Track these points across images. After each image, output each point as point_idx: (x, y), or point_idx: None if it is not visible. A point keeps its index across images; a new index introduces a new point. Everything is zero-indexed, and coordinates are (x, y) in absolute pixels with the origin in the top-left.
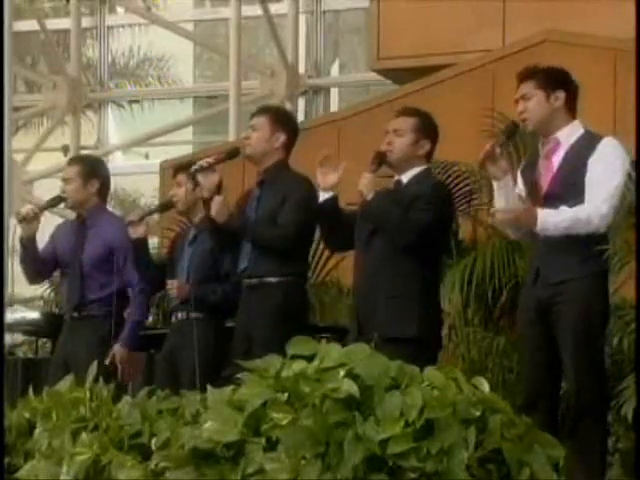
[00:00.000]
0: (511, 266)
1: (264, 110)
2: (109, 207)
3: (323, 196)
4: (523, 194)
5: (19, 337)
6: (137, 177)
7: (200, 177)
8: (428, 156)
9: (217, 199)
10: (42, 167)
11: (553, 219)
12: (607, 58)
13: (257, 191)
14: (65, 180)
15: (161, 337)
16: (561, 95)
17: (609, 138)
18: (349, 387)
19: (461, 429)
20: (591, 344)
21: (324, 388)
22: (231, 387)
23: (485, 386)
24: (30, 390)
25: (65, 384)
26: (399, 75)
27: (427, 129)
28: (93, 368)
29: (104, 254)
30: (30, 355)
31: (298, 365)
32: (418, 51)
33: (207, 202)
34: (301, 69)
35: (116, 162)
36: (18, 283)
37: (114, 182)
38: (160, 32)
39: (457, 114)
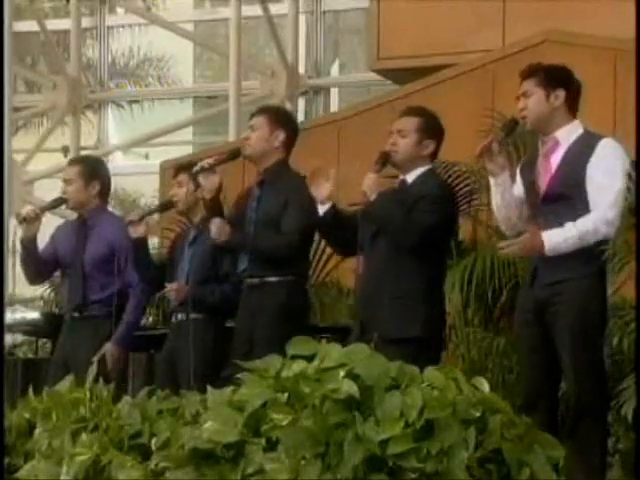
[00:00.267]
0: (511, 266)
1: (263, 110)
2: (109, 207)
3: (322, 209)
4: (522, 193)
5: (19, 337)
6: (137, 177)
7: (201, 178)
8: (433, 156)
9: (215, 221)
10: (42, 167)
11: (561, 238)
12: (607, 58)
13: (257, 191)
14: (66, 181)
15: (161, 337)
16: (561, 94)
17: (608, 139)
18: (349, 387)
19: (461, 429)
20: (589, 344)
21: (324, 388)
22: (231, 387)
23: (485, 386)
24: (30, 390)
25: (65, 384)
26: (399, 75)
27: (431, 129)
28: (93, 368)
29: (105, 254)
30: (30, 355)
31: (298, 365)
32: (418, 51)
33: (208, 203)
34: (301, 69)
35: (116, 162)
36: (18, 283)
37: (114, 182)
38: (160, 32)
39: (457, 114)
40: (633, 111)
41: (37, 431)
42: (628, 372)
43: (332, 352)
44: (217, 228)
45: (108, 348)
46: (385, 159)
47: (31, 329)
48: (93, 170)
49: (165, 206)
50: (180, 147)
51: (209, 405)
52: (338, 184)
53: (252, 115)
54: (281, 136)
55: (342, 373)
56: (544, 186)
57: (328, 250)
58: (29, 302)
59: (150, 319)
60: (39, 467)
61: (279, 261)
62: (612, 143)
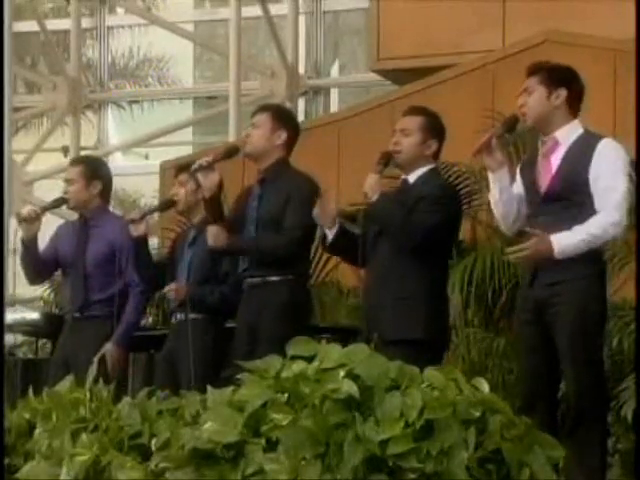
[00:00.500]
0: (511, 267)
1: (266, 108)
2: (110, 208)
3: (330, 233)
4: (521, 192)
5: (19, 337)
6: (137, 178)
7: (200, 176)
8: (435, 156)
9: (211, 228)
10: (42, 168)
11: (570, 241)
12: (607, 58)
13: (258, 189)
14: (67, 181)
15: (161, 338)
16: (562, 93)
17: (607, 139)
18: (349, 388)
19: (461, 430)
20: (588, 345)
21: (324, 389)
22: (231, 388)
23: (485, 387)
24: (30, 391)
25: (65, 385)
26: (399, 76)
27: (434, 129)
28: (93, 369)
29: (107, 255)
30: (30, 356)
31: (298, 366)
32: (418, 52)
33: (208, 202)
34: (301, 70)
35: (116, 163)
36: (18, 284)
37: (114, 183)
38: (160, 33)
39: (457, 114)
40: (633, 111)
41: (37, 431)
42: (628, 373)
43: (332, 352)
44: (213, 235)
45: (108, 348)
46: (387, 159)
47: (31, 329)
48: (94, 170)
49: (166, 205)
50: (180, 147)
51: (209, 405)
52: (338, 184)
53: (254, 113)
54: (283, 135)
55: (342, 373)
56: (544, 186)
57: None
58: (29, 302)
59: (150, 319)
60: (39, 467)
61: (280, 260)
62: (612, 143)
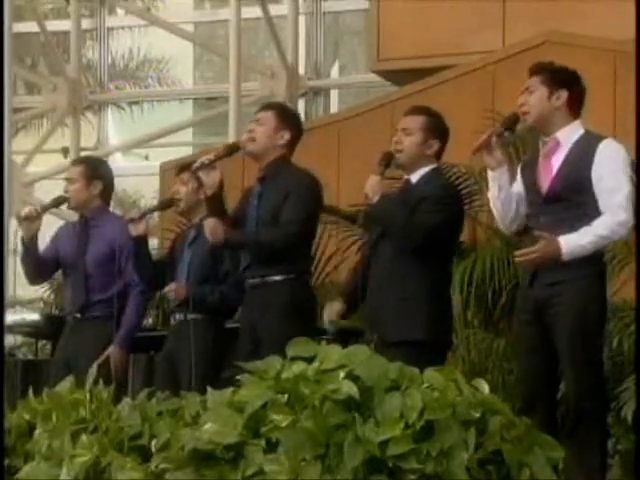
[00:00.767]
0: (511, 267)
1: (270, 106)
2: (110, 208)
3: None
4: (521, 191)
5: (19, 338)
6: (137, 178)
7: (202, 174)
8: (437, 156)
9: (209, 221)
10: (42, 168)
11: (578, 243)
12: (607, 59)
13: (258, 187)
14: (68, 180)
15: (161, 338)
16: (564, 95)
17: (608, 140)
18: (349, 389)
19: (461, 430)
20: (588, 345)
21: (324, 390)
22: (231, 389)
23: (485, 388)
24: (30, 391)
25: (65, 385)
26: (399, 76)
27: (436, 128)
28: (93, 369)
29: (107, 255)
30: (30, 356)
31: (298, 367)
32: (418, 52)
33: (209, 200)
34: (301, 70)
35: (116, 163)
36: (19, 285)
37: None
38: (160, 33)
39: (458, 115)
40: (633, 111)
41: (37, 432)
42: (628, 374)
43: (332, 353)
44: (210, 229)
45: (111, 351)
46: (388, 160)
47: (31, 330)
48: (96, 170)
49: (166, 204)
50: (180, 148)
51: (209, 406)
52: (338, 185)
53: (259, 109)
54: (286, 135)
55: (342, 374)
56: (545, 186)
57: (328, 251)
58: (29, 303)
59: (150, 320)
60: (39, 468)
61: (279, 256)
62: (613, 144)
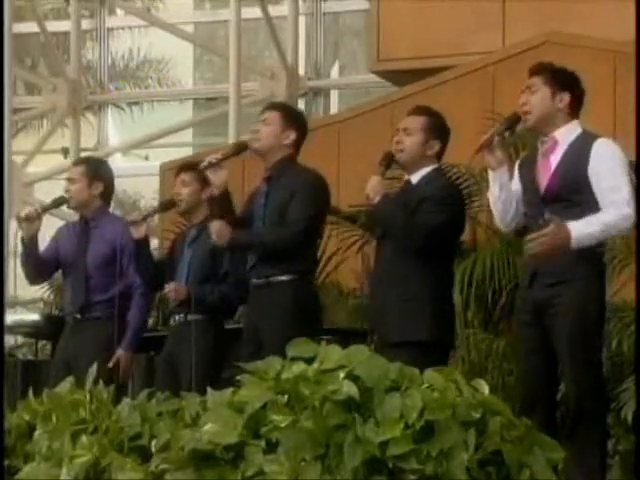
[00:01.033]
0: (511, 268)
1: (276, 106)
2: (110, 209)
3: None
4: (519, 190)
5: (19, 339)
6: (137, 179)
7: (209, 174)
8: (438, 156)
9: (215, 223)
10: (42, 169)
11: (586, 230)
12: (607, 59)
13: (265, 187)
14: (70, 180)
15: (161, 339)
16: (566, 97)
17: (603, 139)
18: (349, 389)
19: (461, 431)
20: (587, 346)
21: (324, 390)
22: (231, 389)
23: (485, 388)
24: (30, 392)
25: (65, 386)
26: (399, 77)
27: (437, 129)
28: (93, 370)
29: (108, 256)
30: (30, 357)
31: (298, 367)
32: (418, 53)
33: (217, 199)
34: (301, 71)
35: (116, 164)
36: (19, 285)
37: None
38: (160, 34)
39: (458, 115)
40: (633, 112)
41: (37, 433)
42: (628, 374)
43: (332, 354)
44: (216, 231)
45: (120, 355)
46: (388, 160)
47: (31, 331)
48: (97, 171)
49: (166, 206)
50: (180, 149)
51: (209, 407)
52: (338, 186)
53: (264, 109)
54: (292, 135)
55: (342, 375)
56: (544, 185)
57: (328, 251)
58: (29, 304)
59: (150, 321)
60: (39, 469)
61: (285, 256)
62: (608, 142)
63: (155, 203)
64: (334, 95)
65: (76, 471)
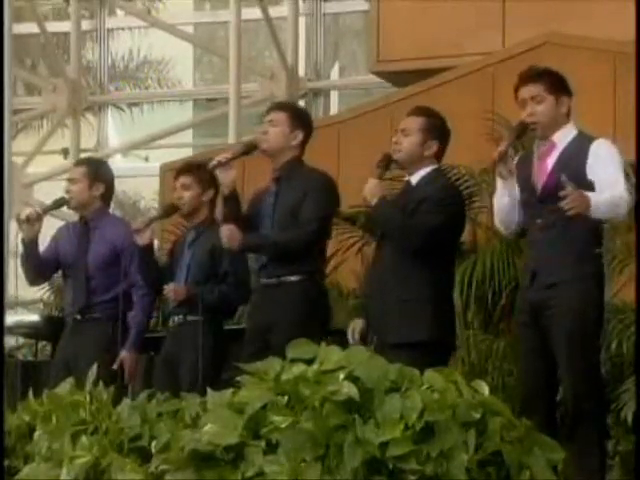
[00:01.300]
0: (511, 268)
1: (282, 106)
2: (110, 210)
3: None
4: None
5: (19, 339)
6: (137, 180)
7: (218, 173)
8: (438, 156)
9: (225, 227)
10: (42, 170)
11: (599, 198)
12: (607, 60)
13: (273, 187)
14: (70, 180)
15: (160, 340)
16: (566, 101)
17: (600, 140)
18: (349, 390)
19: (461, 432)
20: (585, 347)
21: (324, 391)
22: (231, 390)
23: (485, 389)
24: (30, 393)
25: (65, 387)
26: (399, 78)
27: (435, 129)
28: (93, 371)
29: (108, 256)
30: (30, 358)
31: (298, 368)
32: (418, 54)
33: (226, 199)
34: (301, 72)
35: (116, 165)
36: (19, 286)
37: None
38: (160, 35)
39: (458, 116)
40: (633, 112)
41: (37, 433)
42: (628, 375)
43: (332, 355)
44: (227, 236)
45: (124, 356)
46: (387, 162)
47: (31, 331)
48: (98, 172)
49: (169, 211)
50: (180, 149)
51: (209, 407)
52: (338, 186)
53: (269, 110)
54: (300, 135)
55: (342, 375)
56: (540, 186)
57: (328, 252)
58: (29, 305)
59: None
60: (39, 470)
61: (297, 255)
62: (606, 143)
63: (155, 204)
64: (334, 96)
65: (76, 472)
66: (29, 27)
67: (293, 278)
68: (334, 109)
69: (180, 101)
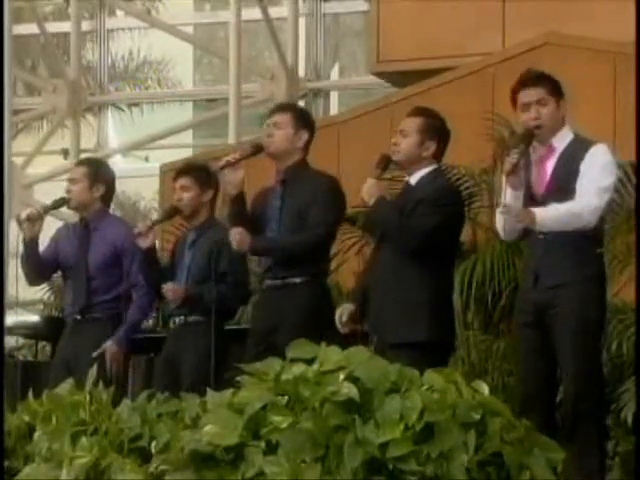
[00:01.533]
0: (511, 269)
1: (285, 107)
2: (110, 211)
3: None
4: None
5: (19, 340)
6: (137, 180)
7: (227, 173)
8: (436, 157)
9: (235, 230)
10: (42, 170)
11: (551, 214)
12: (607, 60)
13: (279, 189)
14: (71, 180)
15: (161, 340)
16: (564, 104)
17: (598, 146)
18: (349, 390)
19: (461, 432)
20: (587, 348)
21: (324, 391)
22: (231, 390)
23: (485, 389)
24: (30, 393)
25: (65, 387)
26: (399, 78)
27: (433, 130)
28: (93, 371)
29: (109, 257)
30: (30, 358)
31: (298, 368)
32: (418, 54)
33: (233, 199)
34: (301, 72)
35: (116, 165)
36: (19, 286)
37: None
38: (160, 35)
39: (457, 117)
40: (633, 112)
41: (37, 434)
42: (628, 375)
43: (332, 355)
44: (236, 239)
45: (108, 345)
46: (385, 163)
47: (31, 332)
48: (99, 173)
49: (170, 213)
50: (180, 150)
51: (209, 408)
52: None
53: (272, 112)
54: (304, 136)
55: (342, 376)
56: (541, 191)
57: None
58: (29, 305)
59: (150, 322)
60: (39, 470)
61: (304, 259)
62: (603, 149)
63: (155, 204)
64: (334, 96)
65: (76, 472)
66: (29, 28)
67: (297, 280)
68: (334, 109)
69: (180, 101)
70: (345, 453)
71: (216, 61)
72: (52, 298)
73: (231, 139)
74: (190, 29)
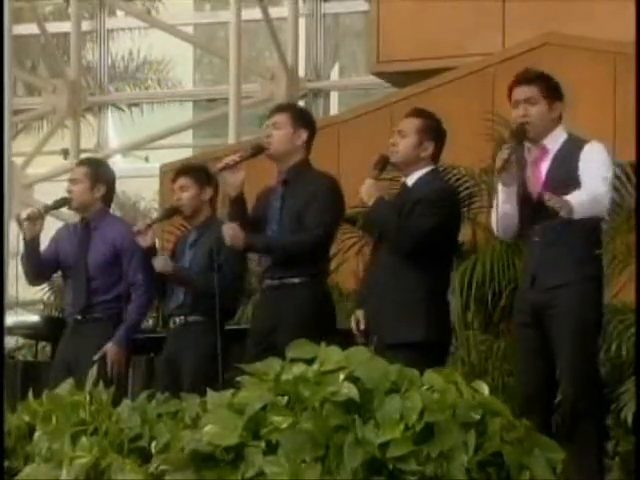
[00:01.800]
0: (511, 269)
1: (284, 108)
2: (110, 211)
3: None
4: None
5: (19, 340)
6: (137, 180)
7: (227, 175)
8: (434, 158)
9: (229, 226)
10: (42, 170)
11: (576, 201)
12: (607, 60)
13: (280, 190)
14: (72, 180)
15: (161, 341)
16: (559, 106)
17: (592, 143)
18: (349, 390)
19: (461, 432)
20: (585, 348)
21: (324, 391)
22: (231, 390)
23: (485, 389)
24: (30, 393)
25: (65, 387)
26: (399, 78)
27: (432, 131)
28: (93, 371)
29: (109, 257)
30: (30, 358)
31: (298, 368)
32: (418, 54)
33: (234, 201)
34: (301, 72)
35: (116, 165)
36: (19, 286)
37: None
38: (160, 35)
39: (457, 117)
40: (633, 112)
41: (37, 434)
42: (628, 376)
43: (332, 355)
44: (230, 235)
45: (108, 347)
46: (383, 163)
47: (31, 332)
48: (100, 173)
49: (170, 213)
50: (180, 150)
51: (209, 408)
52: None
53: (272, 112)
54: (304, 135)
55: (342, 376)
56: (536, 192)
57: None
58: (29, 305)
59: (150, 322)
60: (39, 470)
61: (302, 259)
62: (598, 146)
63: (155, 204)
64: (334, 96)
65: (76, 472)
66: (29, 28)
67: (297, 280)
68: (334, 109)
69: (180, 102)
70: (345, 453)
71: (216, 61)
72: (52, 298)
73: (231, 139)
74: (190, 29)
